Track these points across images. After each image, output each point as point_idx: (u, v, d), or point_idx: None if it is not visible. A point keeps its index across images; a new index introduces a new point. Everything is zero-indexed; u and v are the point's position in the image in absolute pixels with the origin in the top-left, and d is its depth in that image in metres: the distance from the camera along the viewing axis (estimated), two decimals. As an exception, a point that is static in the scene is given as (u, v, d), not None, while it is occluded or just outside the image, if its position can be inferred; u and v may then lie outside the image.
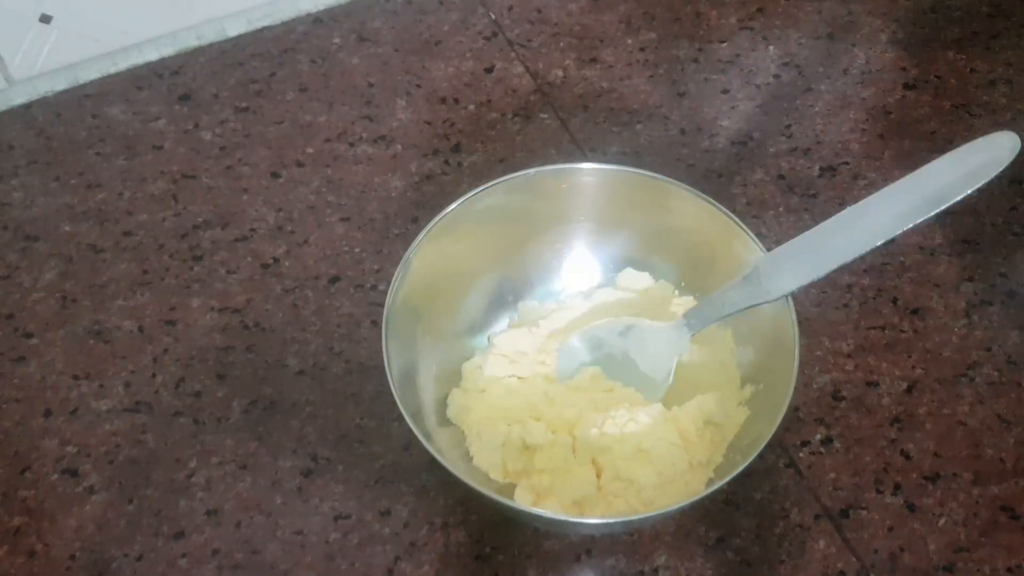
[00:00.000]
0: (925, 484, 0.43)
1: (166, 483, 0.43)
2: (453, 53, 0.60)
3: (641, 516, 0.36)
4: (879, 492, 0.42)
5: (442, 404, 0.43)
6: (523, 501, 0.39)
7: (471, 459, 0.41)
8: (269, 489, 0.43)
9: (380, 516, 0.42)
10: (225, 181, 0.54)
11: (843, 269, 0.49)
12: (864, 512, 0.42)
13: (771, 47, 0.61)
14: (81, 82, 0.59)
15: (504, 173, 0.44)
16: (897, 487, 0.42)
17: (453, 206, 0.43)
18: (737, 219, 0.42)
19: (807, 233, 0.38)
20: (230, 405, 0.45)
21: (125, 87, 0.59)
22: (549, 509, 0.38)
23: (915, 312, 0.48)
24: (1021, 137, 0.35)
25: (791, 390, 0.37)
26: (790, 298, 0.39)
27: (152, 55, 0.60)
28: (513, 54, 0.60)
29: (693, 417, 0.41)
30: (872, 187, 0.51)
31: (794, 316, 0.39)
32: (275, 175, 0.54)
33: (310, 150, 0.56)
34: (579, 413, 0.41)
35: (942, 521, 0.42)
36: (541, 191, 0.45)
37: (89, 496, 0.43)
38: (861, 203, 0.37)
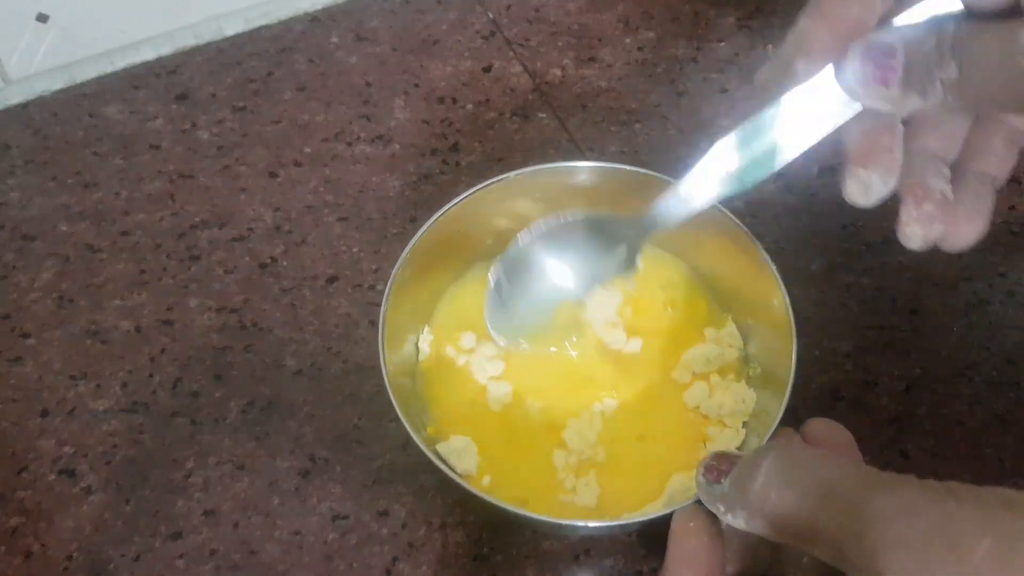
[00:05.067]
0: (924, 484, 0.43)
1: (163, 483, 0.43)
2: (451, 52, 0.60)
3: (640, 517, 0.36)
4: (878, 492, 0.42)
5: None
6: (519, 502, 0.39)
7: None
8: (267, 489, 0.43)
9: (378, 516, 0.42)
10: (222, 181, 0.54)
11: (841, 268, 0.49)
12: (863, 512, 0.42)
13: (770, 46, 0.60)
14: (78, 81, 0.59)
15: (502, 172, 0.44)
16: (896, 487, 0.42)
17: (450, 206, 0.43)
18: (735, 219, 0.42)
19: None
20: (228, 405, 0.45)
21: (122, 86, 0.59)
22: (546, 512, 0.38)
23: (914, 312, 0.48)
24: None
25: (788, 390, 0.37)
26: (787, 298, 0.39)
27: (149, 54, 0.60)
28: (511, 53, 0.60)
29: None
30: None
31: (791, 316, 0.39)
32: (273, 175, 0.54)
33: (308, 150, 0.55)
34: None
35: (941, 521, 0.41)
36: (539, 190, 0.45)
37: (86, 496, 0.43)
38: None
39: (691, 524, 0.33)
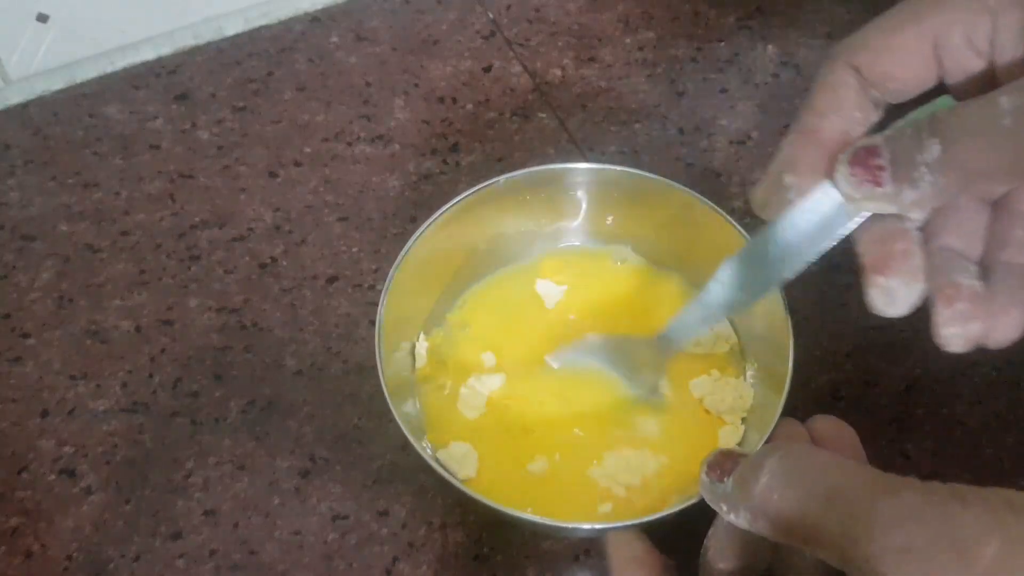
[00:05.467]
0: (924, 484, 0.43)
1: (163, 483, 0.43)
2: (451, 52, 0.60)
3: (640, 520, 0.36)
4: (878, 492, 0.42)
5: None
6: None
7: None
8: (267, 489, 0.43)
9: (378, 516, 0.42)
10: (222, 181, 0.54)
11: (841, 268, 0.49)
12: (863, 512, 0.42)
13: (770, 46, 0.60)
14: (78, 81, 0.59)
15: (502, 172, 0.44)
16: (896, 487, 0.42)
17: (448, 206, 0.43)
18: (732, 219, 0.42)
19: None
20: (228, 405, 0.45)
21: (122, 86, 0.59)
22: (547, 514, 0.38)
23: (914, 311, 0.48)
24: None
25: (787, 386, 0.37)
26: (783, 295, 0.39)
27: (149, 54, 0.60)
28: (511, 53, 0.60)
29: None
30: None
31: (788, 314, 0.39)
32: (273, 175, 0.54)
33: (308, 150, 0.55)
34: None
35: (941, 521, 0.41)
36: (538, 190, 0.45)
37: (86, 496, 0.43)
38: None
39: (629, 533, 0.34)
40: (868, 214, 0.30)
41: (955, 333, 0.30)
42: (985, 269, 0.31)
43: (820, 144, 0.31)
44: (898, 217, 0.30)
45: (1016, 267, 0.31)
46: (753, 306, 0.37)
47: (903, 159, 0.28)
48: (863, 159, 0.29)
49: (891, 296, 0.30)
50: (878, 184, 0.28)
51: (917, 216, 0.30)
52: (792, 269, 0.33)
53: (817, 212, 0.31)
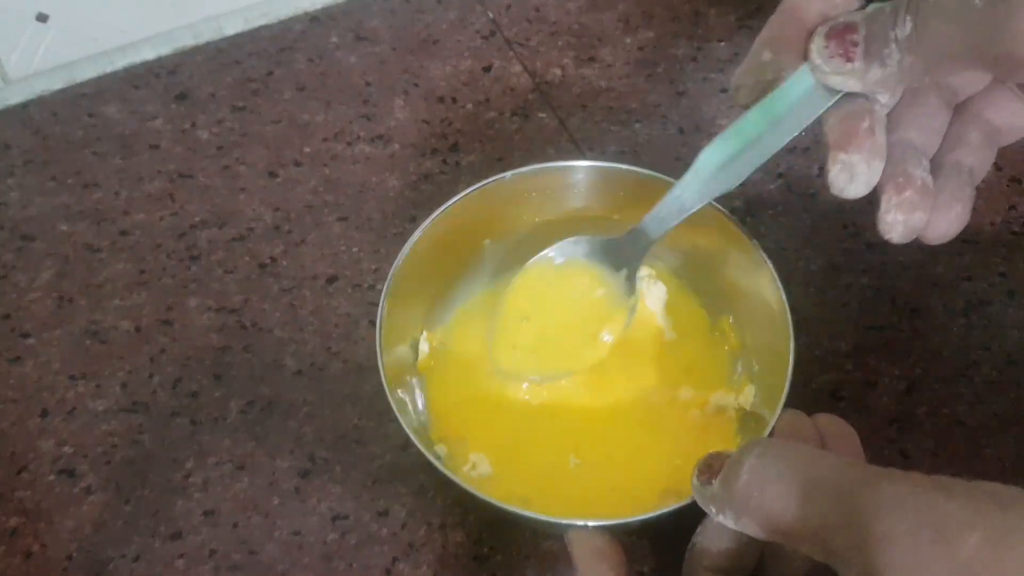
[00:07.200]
0: (924, 484, 0.43)
1: (163, 483, 0.43)
2: (451, 52, 0.60)
3: (639, 518, 0.36)
4: (878, 492, 0.42)
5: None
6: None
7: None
8: (266, 489, 0.43)
9: (378, 516, 0.42)
10: (222, 180, 0.54)
11: (841, 268, 0.49)
12: (863, 512, 0.42)
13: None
14: (77, 81, 0.59)
15: (502, 172, 0.44)
16: (896, 487, 0.42)
17: (447, 205, 0.43)
18: (733, 218, 0.42)
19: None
20: (227, 405, 0.45)
21: (121, 86, 0.58)
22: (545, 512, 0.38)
23: (914, 311, 0.48)
24: None
25: (787, 387, 0.37)
26: (784, 296, 0.39)
27: (148, 54, 0.60)
28: (511, 53, 0.60)
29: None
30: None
31: (788, 314, 0.39)
32: (272, 174, 0.54)
33: (307, 149, 0.55)
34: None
35: (941, 521, 0.41)
36: (538, 189, 0.45)
37: (86, 496, 0.43)
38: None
39: (591, 529, 0.34)
40: (838, 96, 0.31)
41: (898, 220, 0.31)
42: (935, 167, 0.32)
43: (799, 21, 0.31)
44: (866, 101, 0.31)
45: (964, 167, 0.32)
46: (728, 191, 0.37)
47: (877, 36, 0.29)
48: (839, 34, 0.30)
49: (852, 172, 0.31)
50: (849, 59, 0.29)
51: (884, 99, 0.31)
52: (766, 153, 0.34)
53: (792, 94, 0.32)
